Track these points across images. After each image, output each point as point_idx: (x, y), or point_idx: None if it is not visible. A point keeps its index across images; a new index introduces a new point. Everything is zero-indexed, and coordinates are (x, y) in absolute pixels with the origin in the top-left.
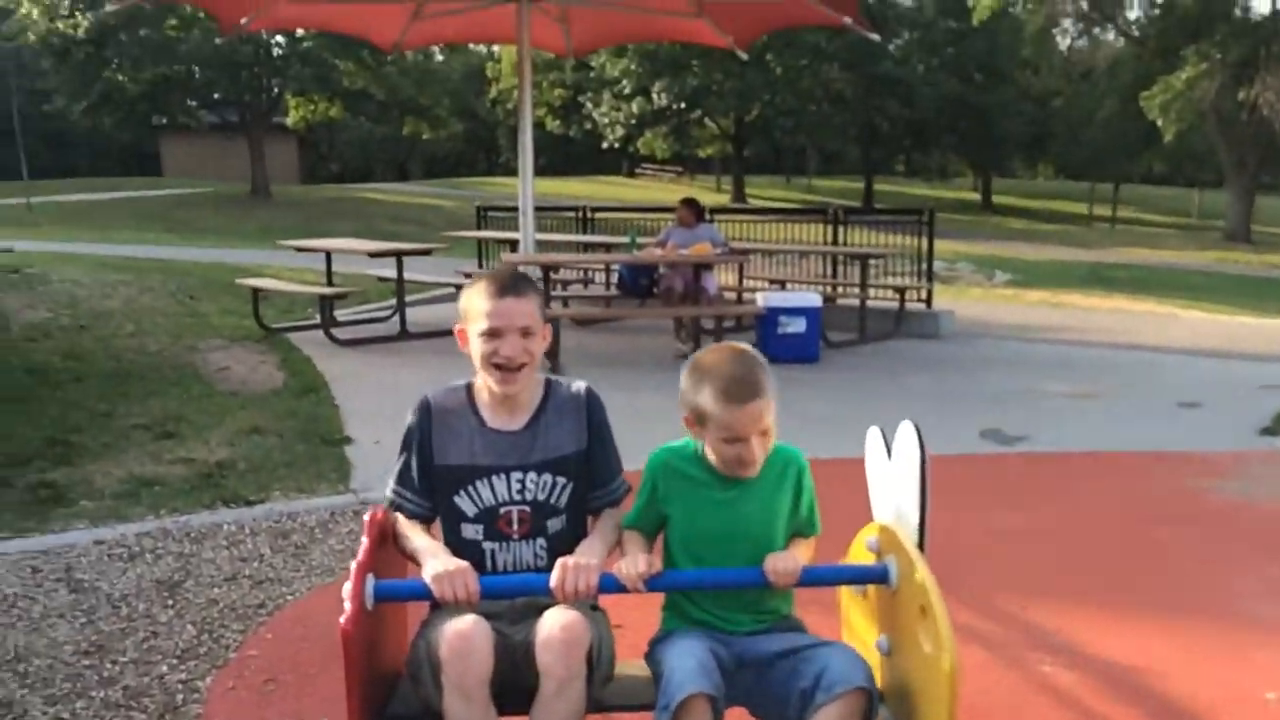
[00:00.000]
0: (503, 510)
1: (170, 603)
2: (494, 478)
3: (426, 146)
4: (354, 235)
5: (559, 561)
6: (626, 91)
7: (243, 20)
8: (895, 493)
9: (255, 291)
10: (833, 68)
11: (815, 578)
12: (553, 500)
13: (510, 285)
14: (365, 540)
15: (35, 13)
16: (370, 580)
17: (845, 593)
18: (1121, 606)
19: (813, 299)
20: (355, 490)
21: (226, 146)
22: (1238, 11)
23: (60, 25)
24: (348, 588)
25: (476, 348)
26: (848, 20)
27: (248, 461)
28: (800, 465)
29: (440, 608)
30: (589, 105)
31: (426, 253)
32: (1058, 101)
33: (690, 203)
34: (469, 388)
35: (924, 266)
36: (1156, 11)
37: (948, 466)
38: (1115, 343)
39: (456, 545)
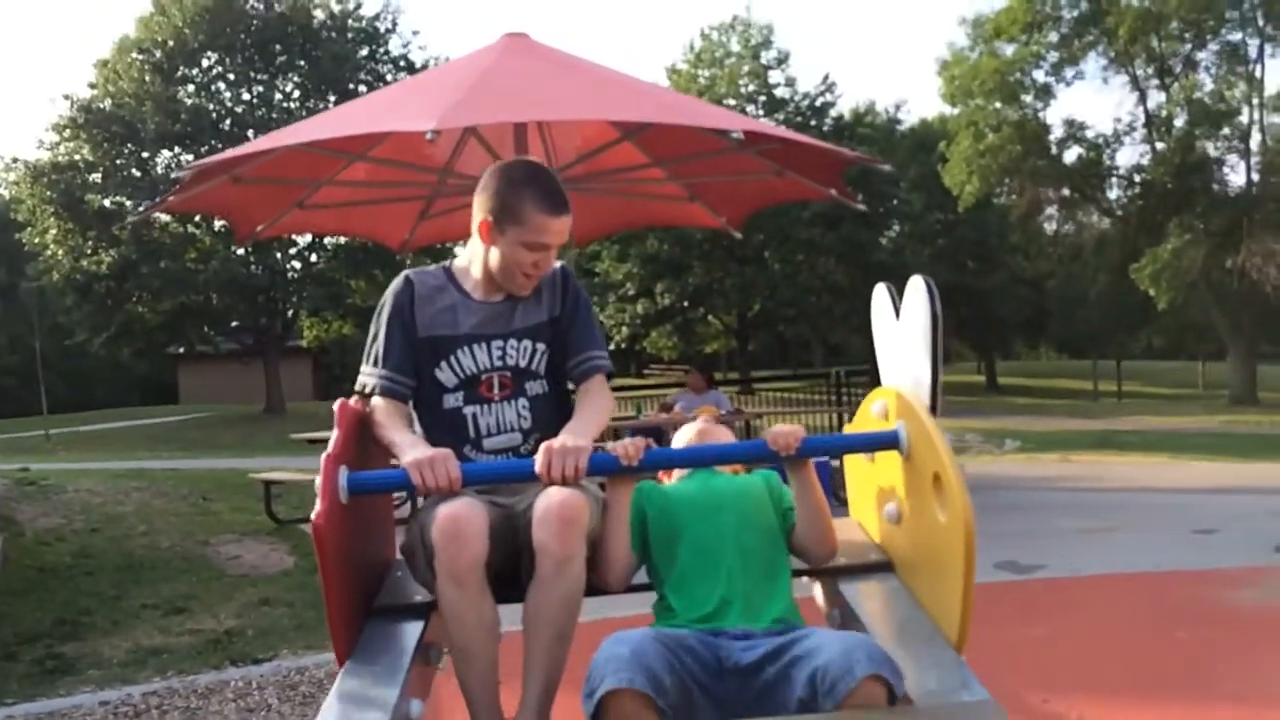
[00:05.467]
0: (484, 377)
1: None
2: (475, 346)
3: None
4: None
5: (544, 445)
6: (631, 293)
7: (259, 227)
8: (905, 354)
9: (267, 485)
10: (829, 260)
11: (820, 445)
12: (533, 366)
13: (563, 201)
14: (336, 431)
15: (60, 253)
16: (343, 472)
17: (850, 461)
18: (1143, 695)
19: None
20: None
21: (242, 371)
22: (1215, 186)
23: (85, 263)
24: (319, 481)
25: (514, 253)
26: (833, 192)
27: (256, 629)
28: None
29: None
30: (595, 308)
31: None
32: (1052, 283)
33: (702, 369)
34: (446, 269)
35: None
36: (1136, 190)
37: None
38: (1131, 487)
39: (436, 419)
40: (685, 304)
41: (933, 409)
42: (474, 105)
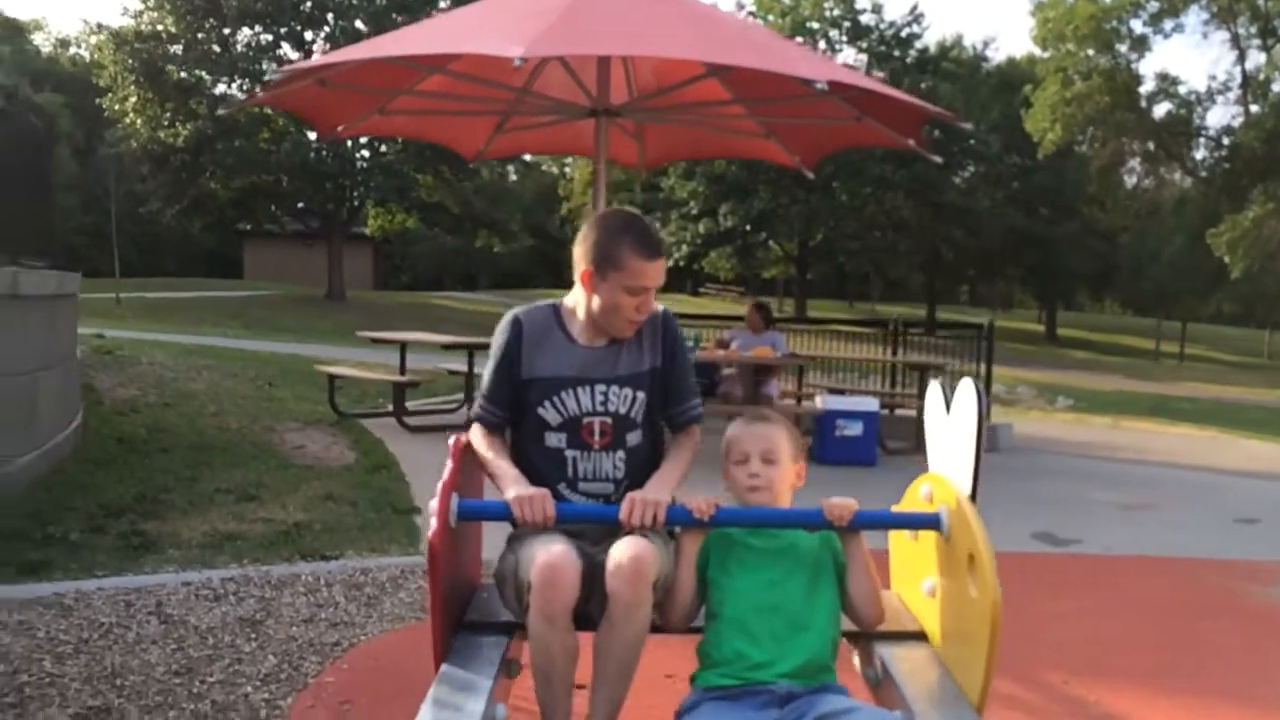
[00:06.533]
0: (585, 420)
1: (253, 636)
2: (579, 389)
3: (495, 260)
4: None
5: (629, 495)
6: (694, 213)
7: (339, 128)
8: (951, 446)
9: (331, 379)
10: (897, 196)
11: (870, 520)
12: (632, 414)
13: (658, 246)
14: (450, 462)
15: (139, 123)
16: (455, 499)
17: (894, 536)
18: (1161, 685)
19: (870, 404)
20: (424, 553)
21: (306, 253)
22: None
23: (162, 135)
24: (434, 504)
25: (616, 298)
26: (911, 143)
27: (323, 524)
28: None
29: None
30: (657, 224)
31: None
32: (1125, 238)
33: (761, 307)
34: (555, 309)
35: (983, 374)
36: (1223, 152)
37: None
38: (1176, 463)
39: (539, 454)
40: (748, 227)
41: (972, 497)
42: (563, 35)
